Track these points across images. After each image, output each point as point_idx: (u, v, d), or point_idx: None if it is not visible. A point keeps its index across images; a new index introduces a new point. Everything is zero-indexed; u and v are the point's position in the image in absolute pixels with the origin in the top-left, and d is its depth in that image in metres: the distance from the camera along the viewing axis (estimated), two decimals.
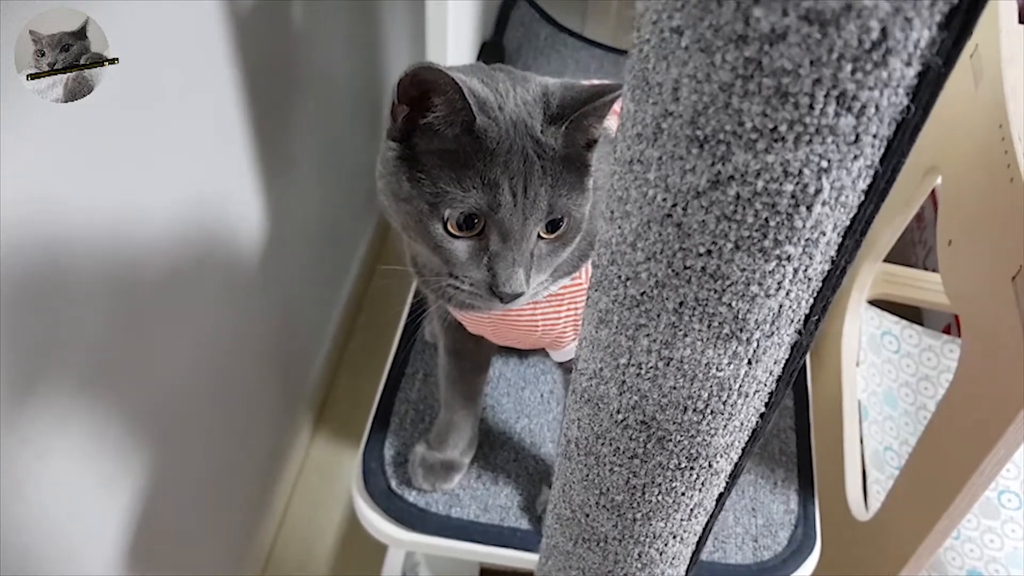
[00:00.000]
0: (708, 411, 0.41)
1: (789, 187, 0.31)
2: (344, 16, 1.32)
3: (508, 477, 0.90)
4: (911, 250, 1.53)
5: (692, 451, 0.43)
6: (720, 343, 0.38)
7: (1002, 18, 0.90)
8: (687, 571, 0.54)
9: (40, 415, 0.71)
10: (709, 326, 0.37)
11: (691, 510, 0.48)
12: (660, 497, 0.46)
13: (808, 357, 1.12)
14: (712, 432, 0.42)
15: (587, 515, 0.51)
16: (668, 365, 0.39)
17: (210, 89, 0.90)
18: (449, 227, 0.59)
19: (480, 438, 0.91)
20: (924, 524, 0.85)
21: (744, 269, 0.34)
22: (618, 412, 0.43)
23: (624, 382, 0.42)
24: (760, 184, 0.31)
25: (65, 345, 0.72)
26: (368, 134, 1.53)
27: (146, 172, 0.79)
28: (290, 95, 1.14)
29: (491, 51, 1.34)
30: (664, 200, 0.33)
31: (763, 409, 0.43)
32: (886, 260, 1.23)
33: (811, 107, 0.28)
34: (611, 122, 0.64)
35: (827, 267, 0.35)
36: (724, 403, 0.41)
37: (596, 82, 0.69)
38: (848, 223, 0.33)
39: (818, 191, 0.31)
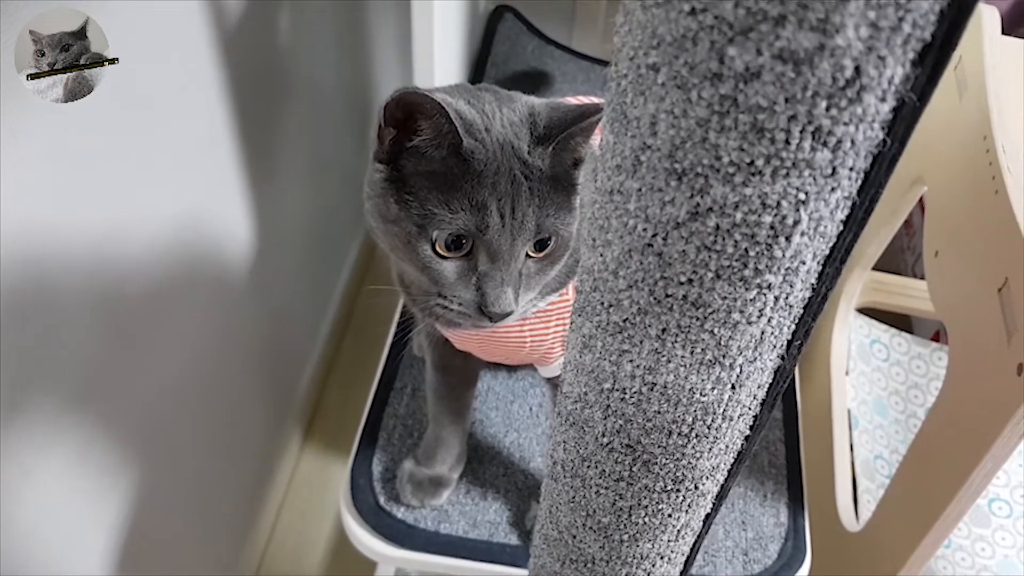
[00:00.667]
0: (693, 435, 0.41)
1: (768, 218, 0.31)
2: (331, 26, 1.32)
3: (497, 492, 0.90)
4: (900, 257, 1.54)
5: (678, 474, 0.43)
6: (703, 369, 0.38)
7: (985, 30, 0.91)
8: None
9: (27, 430, 0.71)
10: (692, 352, 0.37)
11: (678, 531, 0.48)
12: (647, 519, 0.46)
13: (797, 367, 1.12)
14: (697, 455, 0.42)
15: (574, 536, 0.51)
16: (652, 390, 0.40)
17: (197, 100, 0.90)
18: (437, 248, 0.60)
19: (469, 453, 0.91)
20: (915, 534, 0.85)
21: (725, 297, 0.34)
22: (603, 436, 0.44)
23: (609, 406, 0.42)
24: (739, 216, 0.31)
25: (51, 359, 0.72)
26: (356, 145, 1.53)
27: (133, 184, 0.79)
28: (278, 106, 1.14)
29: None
30: (644, 230, 0.34)
31: (748, 432, 0.43)
32: (875, 267, 1.24)
33: (787, 142, 0.28)
34: (597, 140, 0.64)
35: (808, 294, 0.35)
36: (709, 427, 0.41)
37: (582, 99, 0.69)
38: (827, 252, 0.33)
39: (796, 222, 0.31)
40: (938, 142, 0.95)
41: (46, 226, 0.68)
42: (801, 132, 0.28)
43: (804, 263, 0.33)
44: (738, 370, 0.38)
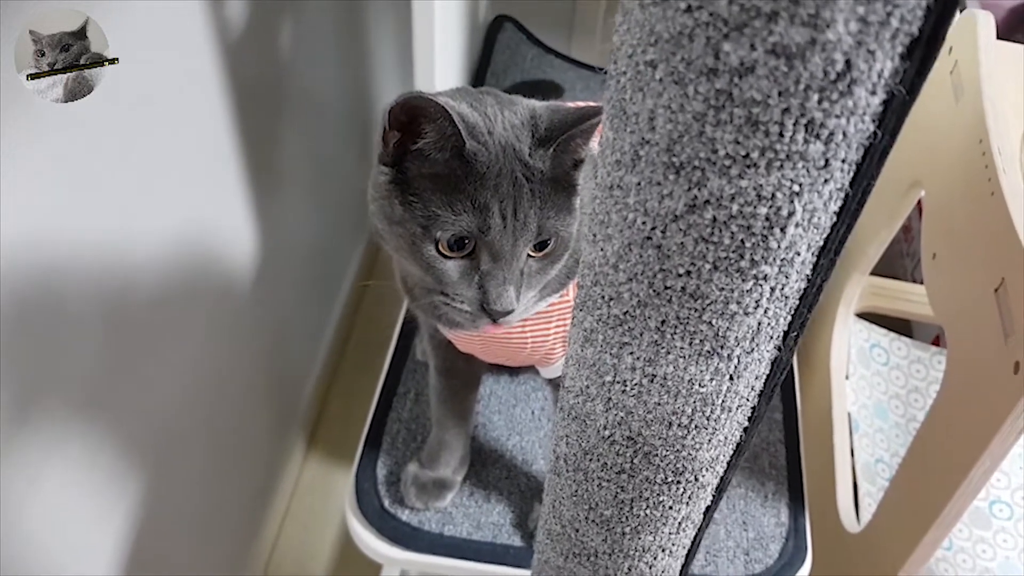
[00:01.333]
0: (692, 426, 0.42)
1: (763, 210, 0.32)
2: (332, 37, 1.33)
3: (500, 494, 0.91)
4: (899, 262, 1.54)
5: (678, 465, 0.44)
6: (702, 360, 0.39)
7: (981, 34, 0.92)
8: None
9: (32, 439, 0.71)
10: (691, 343, 0.38)
11: (679, 523, 0.49)
12: (648, 511, 0.47)
13: (797, 370, 1.13)
14: (697, 446, 0.43)
15: (577, 530, 0.52)
16: (652, 382, 0.41)
17: (199, 111, 0.91)
18: (441, 248, 0.61)
19: (472, 456, 0.92)
20: (915, 533, 0.86)
21: (723, 289, 0.35)
22: (605, 428, 0.44)
23: (610, 399, 0.43)
24: (735, 208, 0.32)
25: (56, 370, 0.73)
26: (358, 154, 1.54)
27: (135, 196, 0.80)
28: (280, 116, 1.15)
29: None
30: (644, 224, 0.35)
31: (746, 423, 0.44)
32: (875, 272, 1.25)
33: (781, 135, 0.29)
34: (597, 142, 0.65)
35: (803, 285, 0.36)
36: (708, 418, 0.42)
37: (581, 104, 0.70)
38: (822, 243, 0.34)
39: (791, 214, 0.32)
40: (935, 146, 0.96)
41: (51, 236, 0.69)
42: (794, 125, 0.29)
43: (799, 254, 0.34)
44: (736, 361, 0.39)
